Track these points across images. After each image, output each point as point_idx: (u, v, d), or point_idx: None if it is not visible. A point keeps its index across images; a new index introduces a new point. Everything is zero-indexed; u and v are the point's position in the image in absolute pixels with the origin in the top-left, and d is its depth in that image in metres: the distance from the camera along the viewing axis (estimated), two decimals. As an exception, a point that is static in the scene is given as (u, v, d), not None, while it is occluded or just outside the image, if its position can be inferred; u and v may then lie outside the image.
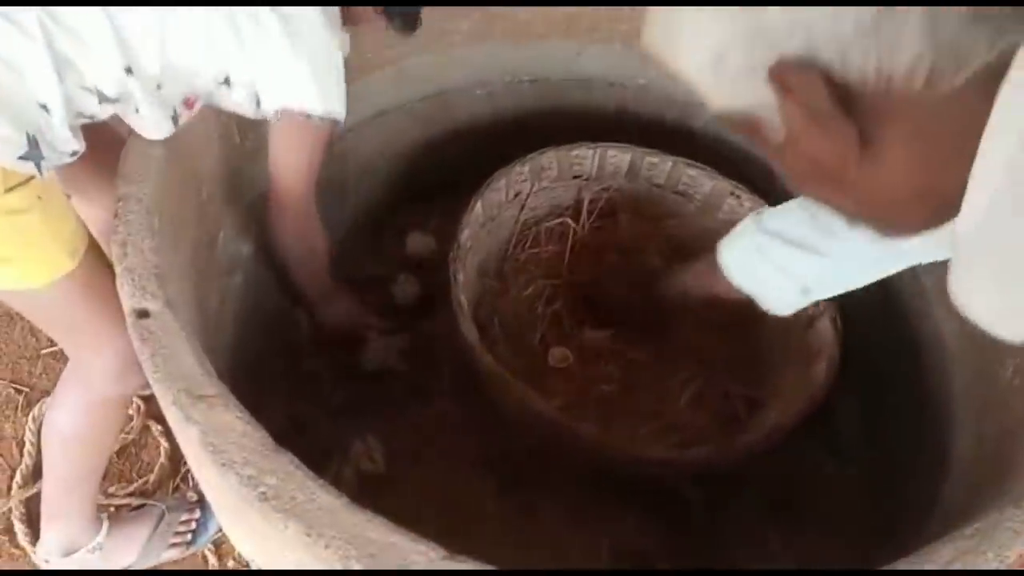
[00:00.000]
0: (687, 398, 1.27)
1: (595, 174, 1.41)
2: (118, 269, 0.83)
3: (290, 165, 1.06)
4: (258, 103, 0.96)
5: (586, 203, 1.43)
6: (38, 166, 0.82)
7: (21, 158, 0.80)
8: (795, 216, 0.97)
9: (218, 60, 0.91)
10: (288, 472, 0.70)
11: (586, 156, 1.38)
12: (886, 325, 1.06)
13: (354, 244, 1.52)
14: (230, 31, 0.89)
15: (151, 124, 0.92)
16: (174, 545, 1.27)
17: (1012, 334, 0.49)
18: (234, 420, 0.72)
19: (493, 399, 1.23)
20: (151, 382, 0.77)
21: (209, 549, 1.31)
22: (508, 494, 1.25)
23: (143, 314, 0.80)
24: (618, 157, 1.39)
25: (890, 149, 0.46)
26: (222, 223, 1.12)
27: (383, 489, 1.22)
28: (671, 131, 1.51)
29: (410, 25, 1.03)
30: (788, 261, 0.98)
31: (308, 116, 0.97)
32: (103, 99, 0.87)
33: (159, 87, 0.89)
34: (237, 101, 0.96)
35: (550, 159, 1.36)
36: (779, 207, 1.02)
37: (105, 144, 0.98)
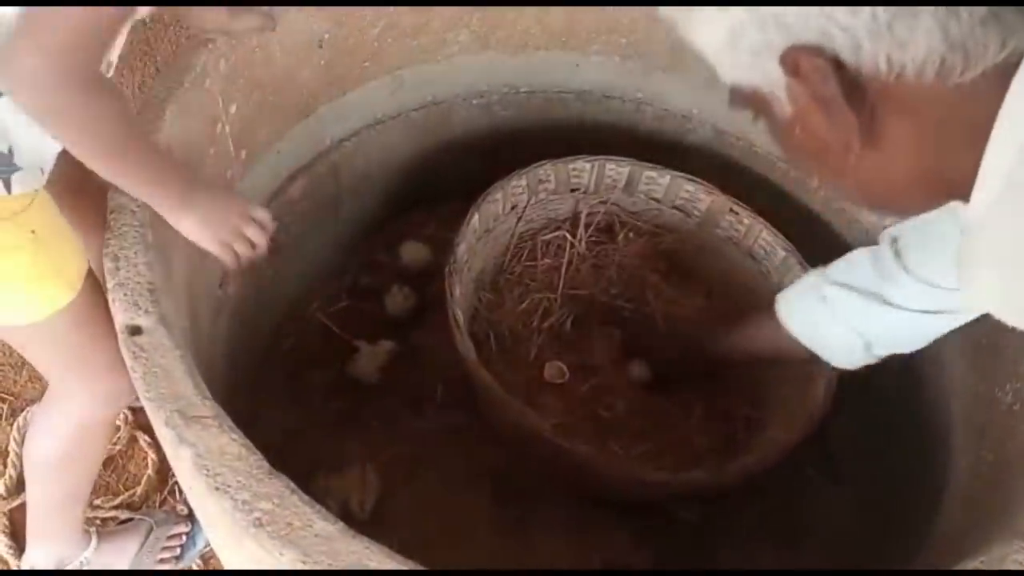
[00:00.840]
0: (684, 417, 1.26)
1: (593, 187, 1.40)
2: (110, 284, 0.81)
3: None
4: None
5: (583, 216, 1.42)
6: (7, 183, 0.77)
7: None
8: (856, 263, 0.97)
9: None
10: (284, 497, 0.68)
11: (584, 169, 1.37)
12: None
13: (347, 253, 1.50)
14: None
15: None
16: (162, 560, 1.25)
17: (1015, 319, 0.52)
18: (229, 442, 0.71)
19: (488, 414, 1.22)
20: (143, 401, 0.75)
21: (197, 564, 1.28)
22: (502, 508, 1.24)
23: (135, 331, 0.78)
24: (616, 171, 1.38)
25: (894, 136, 0.48)
26: (216, 234, 1.10)
27: (378, 504, 1.21)
28: (668, 145, 1.51)
29: None
30: (852, 312, 0.96)
31: None
32: None
33: None
34: None
35: (548, 172, 1.35)
36: (840, 259, 1.00)
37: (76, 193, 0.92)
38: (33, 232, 0.80)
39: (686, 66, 1.41)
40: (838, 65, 0.46)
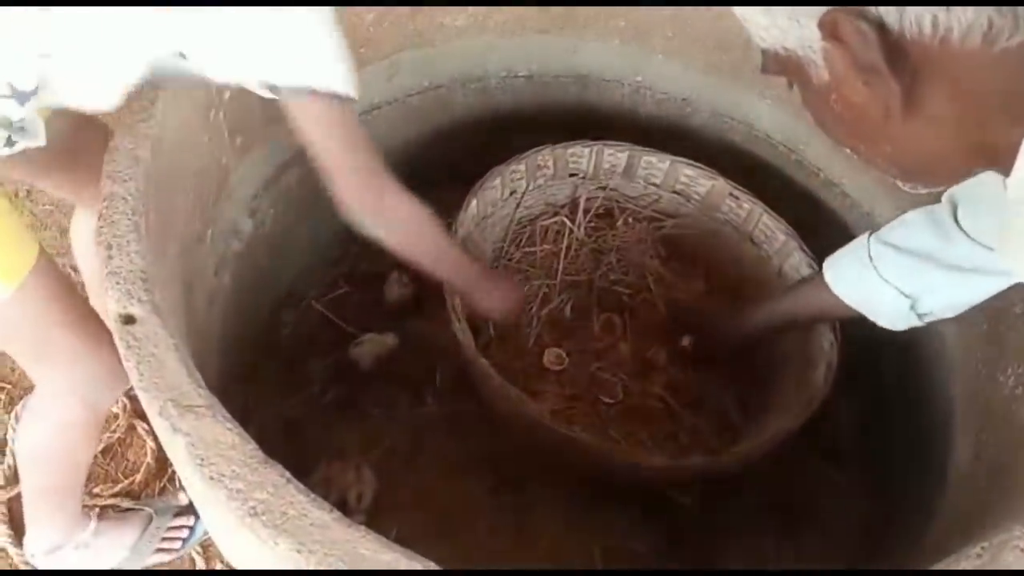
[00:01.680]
0: (684, 403, 1.25)
1: (592, 172, 1.39)
2: (103, 272, 0.80)
3: (320, 153, 0.86)
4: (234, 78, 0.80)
5: (582, 202, 1.41)
6: None
7: None
8: (911, 224, 0.96)
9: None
10: (278, 486, 0.68)
11: (583, 154, 1.36)
12: (885, 329, 1.05)
13: (345, 241, 1.49)
14: None
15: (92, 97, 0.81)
16: (161, 550, 1.25)
17: None
18: (223, 431, 0.70)
19: (487, 401, 1.21)
20: (137, 391, 0.74)
21: (196, 551, 1.28)
22: (502, 496, 1.24)
23: (129, 320, 0.77)
24: (615, 156, 1.37)
25: (935, 104, 0.46)
26: (210, 223, 1.09)
27: (377, 492, 1.20)
28: (668, 129, 1.49)
29: None
30: (901, 272, 0.95)
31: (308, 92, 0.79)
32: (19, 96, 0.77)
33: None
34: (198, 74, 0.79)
35: (547, 157, 1.34)
36: (897, 221, 0.99)
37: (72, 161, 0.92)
38: None
39: (685, 49, 1.39)
40: (880, 28, 0.44)
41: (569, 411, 1.24)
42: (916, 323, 1.00)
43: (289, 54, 0.77)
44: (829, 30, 0.45)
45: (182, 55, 0.77)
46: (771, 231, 1.30)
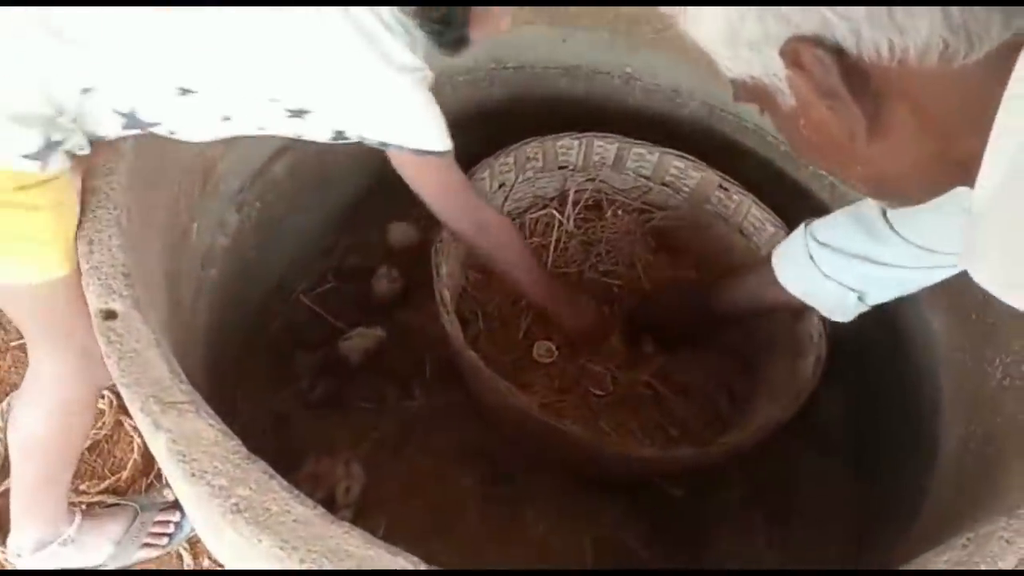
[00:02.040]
0: (673, 394, 1.25)
1: (581, 165, 1.39)
2: (84, 267, 0.79)
3: (427, 200, 1.03)
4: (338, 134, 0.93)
5: (571, 194, 1.40)
6: (45, 163, 0.79)
7: (26, 157, 0.77)
8: (843, 225, 0.97)
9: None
10: (261, 482, 0.67)
11: (572, 146, 1.36)
12: (875, 320, 1.05)
13: (334, 234, 1.49)
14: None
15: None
16: (148, 545, 1.25)
17: (1020, 302, 0.50)
18: (205, 427, 0.70)
19: (475, 394, 1.21)
20: (119, 387, 0.74)
21: (184, 547, 1.28)
22: (491, 488, 1.24)
23: (110, 315, 0.76)
24: (604, 148, 1.36)
25: (900, 124, 0.47)
26: (196, 216, 1.08)
27: (367, 486, 1.20)
28: (658, 119, 1.49)
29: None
30: (839, 270, 0.97)
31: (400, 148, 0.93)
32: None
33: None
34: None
35: (535, 149, 1.34)
36: (827, 218, 1.01)
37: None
38: (59, 202, 0.82)
39: (675, 40, 1.38)
40: (839, 54, 0.45)
41: (559, 404, 1.23)
42: (864, 310, 1.02)
43: (393, 119, 0.91)
44: (790, 58, 0.46)
45: (302, 111, 0.88)
46: (760, 222, 1.30)
